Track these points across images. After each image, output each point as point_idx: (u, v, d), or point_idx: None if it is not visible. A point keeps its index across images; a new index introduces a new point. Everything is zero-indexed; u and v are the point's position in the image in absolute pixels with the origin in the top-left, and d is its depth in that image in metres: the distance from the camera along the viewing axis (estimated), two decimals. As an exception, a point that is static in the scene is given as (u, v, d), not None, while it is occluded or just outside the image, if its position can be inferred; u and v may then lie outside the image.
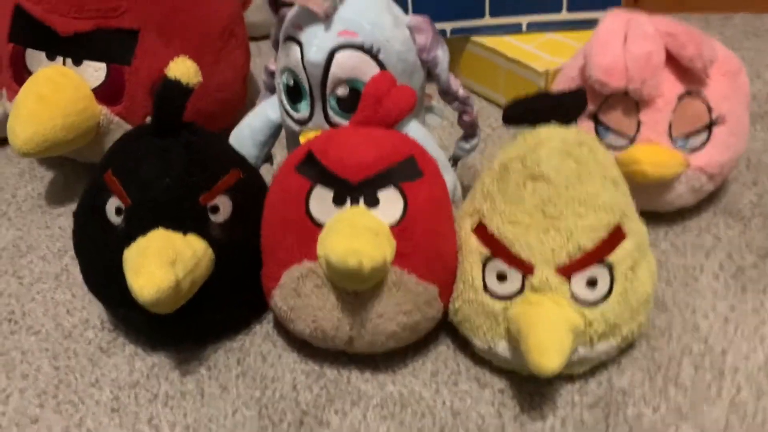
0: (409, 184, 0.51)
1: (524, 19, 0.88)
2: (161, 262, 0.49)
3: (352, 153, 0.51)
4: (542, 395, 0.54)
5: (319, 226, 0.51)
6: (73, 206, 0.76)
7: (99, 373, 0.59)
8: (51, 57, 0.73)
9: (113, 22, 0.73)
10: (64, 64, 0.73)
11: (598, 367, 0.55)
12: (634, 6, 1.11)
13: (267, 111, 0.65)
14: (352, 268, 0.46)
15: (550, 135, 0.50)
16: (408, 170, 0.52)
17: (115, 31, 0.73)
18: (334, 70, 0.56)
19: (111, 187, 0.54)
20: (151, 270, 0.49)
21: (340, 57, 0.56)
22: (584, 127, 0.65)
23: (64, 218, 0.75)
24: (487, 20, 0.88)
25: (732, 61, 0.66)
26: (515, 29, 0.88)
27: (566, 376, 0.54)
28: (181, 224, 0.53)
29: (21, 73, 0.74)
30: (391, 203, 0.51)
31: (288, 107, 0.61)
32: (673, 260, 0.65)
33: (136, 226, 0.52)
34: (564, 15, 0.88)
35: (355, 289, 0.50)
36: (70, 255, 0.70)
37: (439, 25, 0.88)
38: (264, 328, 0.61)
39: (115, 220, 0.54)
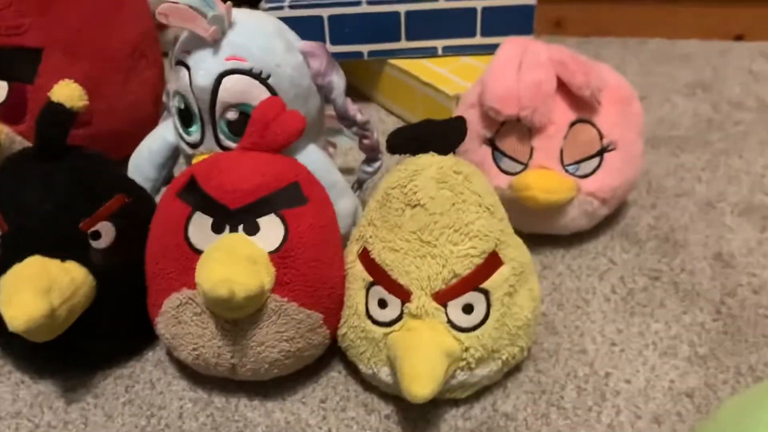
0: (290, 210, 0.51)
1: (440, 43, 0.90)
2: (35, 291, 0.48)
3: (233, 179, 0.51)
4: (427, 421, 0.54)
5: (198, 253, 0.50)
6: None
7: (-20, 403, 0.57)
8: (-50, 75, 0.72)
9: (16, 39, 0.72)
10: (-36, 82, 0.72)
11: (483, 391, 0.56)
12: (556, 29, 1.14)
13: (164, 133, 0.65)
14: (222, 297, 0.46)
15: (427, 163, 0.51)
16: (290, 197, 0.52)
17: (17, 50, 0.72)
18: (222, 94, 0.56)
19: (-11, 213, 0.53)
20: (24, 298, 0.48)
21: (227, 82, 0.56)
22: (481, 152, 0.66)
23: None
24: (404, 43, 0.89)
25: (624, 89, 0.68)
26: (431, 53, 0.90)
27: (451, 400, 0.55)
28: (59, 251, 0.52)
29: None
30: (271, 230, 0.51)
31: (181, 130, 0.61)
32: (567, 283, 0.66)
33: (13, 253, 0.51)
34: (478, 39, 0.89)
35: (234, 318, 0.50)
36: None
37: (356, 47, 0.89)
38: (156, 355, 0.60)
39: (-7, 246, 0.53)
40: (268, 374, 0.54)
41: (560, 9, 1.12)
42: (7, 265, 0.51)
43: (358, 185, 0.71)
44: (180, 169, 0.68)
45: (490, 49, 0.89)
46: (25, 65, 0.72)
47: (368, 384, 0.57)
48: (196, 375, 0.58)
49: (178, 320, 0.52)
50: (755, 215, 0.73)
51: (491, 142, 0.66)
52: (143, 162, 0.66)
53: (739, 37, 1.08)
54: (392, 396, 0.56)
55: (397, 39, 0.89)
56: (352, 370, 0.58)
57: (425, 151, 0.52)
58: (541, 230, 0.68)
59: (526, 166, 0.64)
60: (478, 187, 0.51)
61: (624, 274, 0.67)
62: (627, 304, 0.63)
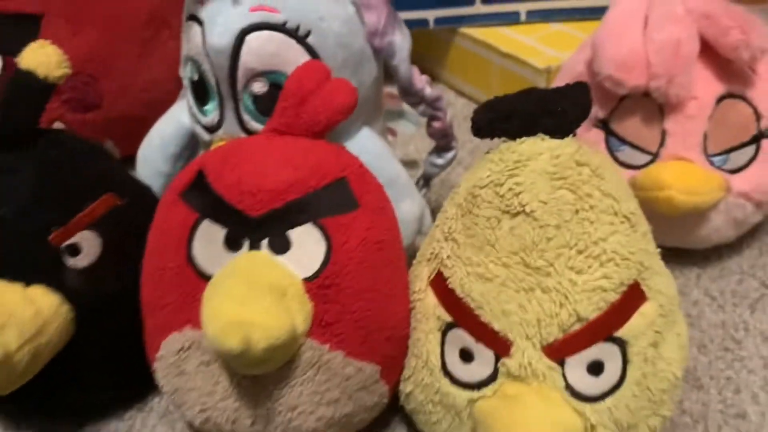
0: (335, 219, 0.36)
1: (523, 7, 0.74)
2: (-19, 328, 0.35)
3: (255, 174, 0.36)
4: None
5: (205, 278, 0.36)
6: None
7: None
8: (-64, 48, 0.61)
9: (11, 5, 0.62)
10: (-48, 56, 0.60)
11: (605, 474, 0.40)
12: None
13: (179, 115, 0.51)
14: (233, 348, 0.31)
15: (535, 150, 0.35)
16: (335, 199, 0.37)
17: (13, 16, 0.62)
18: (246, 58, 0.42)
19: (-65, 220, 0.40)
20: (-35, 340, 0.34)
21: (253, 41, 0.41)
22: (591, 138, 0.50)
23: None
24: (479, 7, 0.74)
25: (789, 53, 0.50)
26: (512, 19, 0.74)
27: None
28: (20, 273, 0.38)
29: None
30: (307, 247, 0.36)
31: (195, 110, 0.46)
32: (709, 316, 0.49)
33: (-38, 274, 0.38)
34: (571, 0, 0.73)
35: (255, 373, 0.35)
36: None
37: (421, 14, 0.74)
38: (164, 403, 0.46)
39: (-61, 264, 0.40)
40: (303, 447, 0.39)
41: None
42: (-45, 291, 0.37)
43: (425, 182, 0.56)
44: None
45: (586, 14, 0.73)
46: (21, 36, 0.60)
47: (442, 457, 0.41)
48: None
49: (180, 370, 0.37)
50: None
51: (605, 125, 0.50)
52: (154, 152, 0.52)
53: None
54: (475, 477, 0.40)
55: (471, 2, 0.73)
56: (420, 434, 0.42)
57: (531, 132, 0.36)
58: (672, 243, 0.51)
59: (655, 156, 0.48)
60: (612, 186, 0.35)
61: (785, 303, 0.50)
62: (796, 347, 0.46)
